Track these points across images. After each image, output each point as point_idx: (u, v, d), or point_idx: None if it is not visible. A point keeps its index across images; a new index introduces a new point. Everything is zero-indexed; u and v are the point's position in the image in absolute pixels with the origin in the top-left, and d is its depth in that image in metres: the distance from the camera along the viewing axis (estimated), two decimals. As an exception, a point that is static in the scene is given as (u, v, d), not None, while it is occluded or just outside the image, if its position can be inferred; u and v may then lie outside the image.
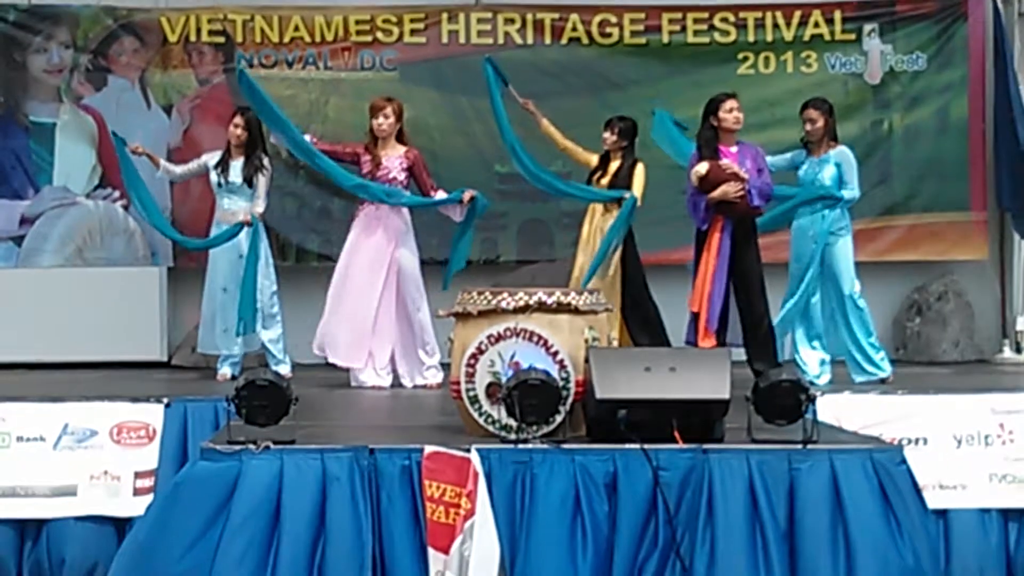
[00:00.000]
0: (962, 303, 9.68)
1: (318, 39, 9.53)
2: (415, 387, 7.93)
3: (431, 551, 4.67)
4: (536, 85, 9.09)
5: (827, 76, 9.59)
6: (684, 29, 9.62)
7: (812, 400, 4.98)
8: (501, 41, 9.53)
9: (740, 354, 7.07)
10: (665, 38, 9.62)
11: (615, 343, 5.96)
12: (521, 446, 4.87)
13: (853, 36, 9.66)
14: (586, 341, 5.19)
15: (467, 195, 8.00)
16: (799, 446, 4.85)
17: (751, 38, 9.62)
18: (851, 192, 7.56)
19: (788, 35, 9.61)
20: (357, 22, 9.54)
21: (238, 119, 8.13)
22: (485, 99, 8.30)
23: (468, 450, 4.75)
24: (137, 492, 6.26)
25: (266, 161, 8.17)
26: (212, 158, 8.25)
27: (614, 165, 8.13)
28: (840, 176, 7.55)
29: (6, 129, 9.43)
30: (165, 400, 6.49)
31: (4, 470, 6.26)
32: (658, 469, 4.76)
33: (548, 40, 9.60)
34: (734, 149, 7.31)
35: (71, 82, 9.46)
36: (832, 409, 6.34)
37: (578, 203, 8.48)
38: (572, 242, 8.56)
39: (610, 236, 7.89)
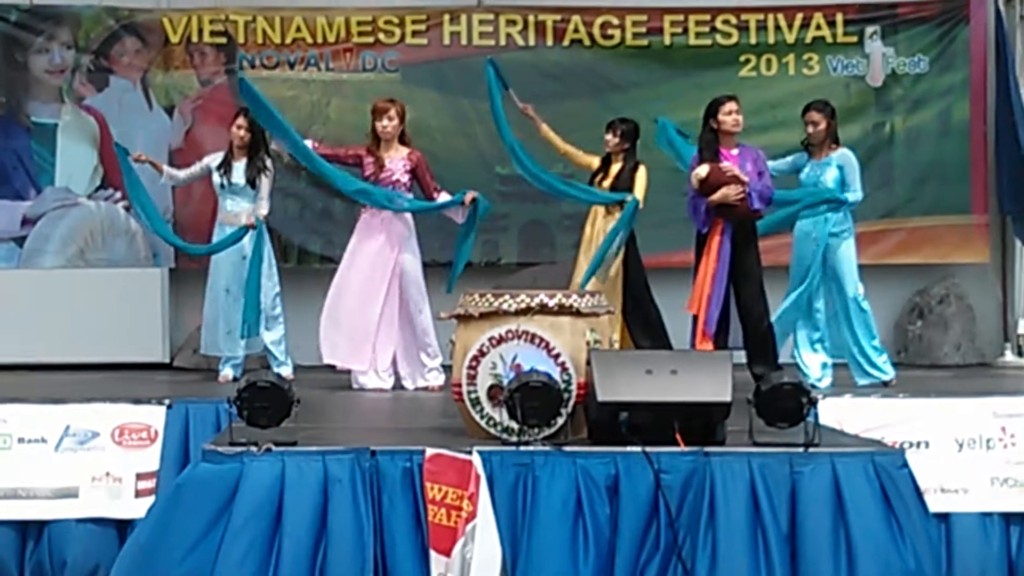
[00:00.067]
0: (963, 306, 9.68)
1: (320, 40, 9.53)
2: (417, 389, 7.93)
3: (432, 553, 4.67)
4: (537, 87, 9.10)
5: (829, 78, 9.59)
6: (686, 31, 9.62)
7: (814, 403, 4.97)
8: (503, 43, 9.52)
9: (740, 357, 7.06)
10: (667, 40, 9.62)
11: (616, 345, 5.96)
12: (523, 448, 4.86)
13: (855, 39, 9.65)
14: (588, 343, 5.18)
15: (468, 196, 7.99)
16: (801, 449, 4.85)
17: (753, 40, 9.62)
18: (855, 194, 7.56)
19: (790, 37, 9.61)
20: (359, 23, 9.54)
21: (241, 120, 8.12)
22: (486, 101, 8.29)
23: (470, 452, 4.74)
24: (139, 494, 6.26)
25: (269, 162, 8.17)
26: (214, 159, 8.24)
27: (616, 167, 8.13)
28: (843, 178, 7.56)
29: (8, 130, 9.43)
30: (167, 402, 6.50)
31: (6, 472, 6.27)
32: (659, 472, 4.75)
33: (550, 42, 9.60)
34: (735, 152, 7.31)
35: (73, 83, 9.46)
36: (834, 412, 6.34)
37: (579, 205, 8.48)
38: (573, 244, 8.57)
39: (610, 238, 7.88)
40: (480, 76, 8.30)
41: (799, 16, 9.61)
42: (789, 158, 7.86)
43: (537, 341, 5.15)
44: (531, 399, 4.89)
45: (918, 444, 6.26)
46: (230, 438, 4.89)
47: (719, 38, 9.62)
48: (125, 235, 9.44)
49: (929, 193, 9.66)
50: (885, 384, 7.48)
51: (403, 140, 8.05)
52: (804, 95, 8.46)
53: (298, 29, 9.51)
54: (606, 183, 8.13)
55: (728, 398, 4.93)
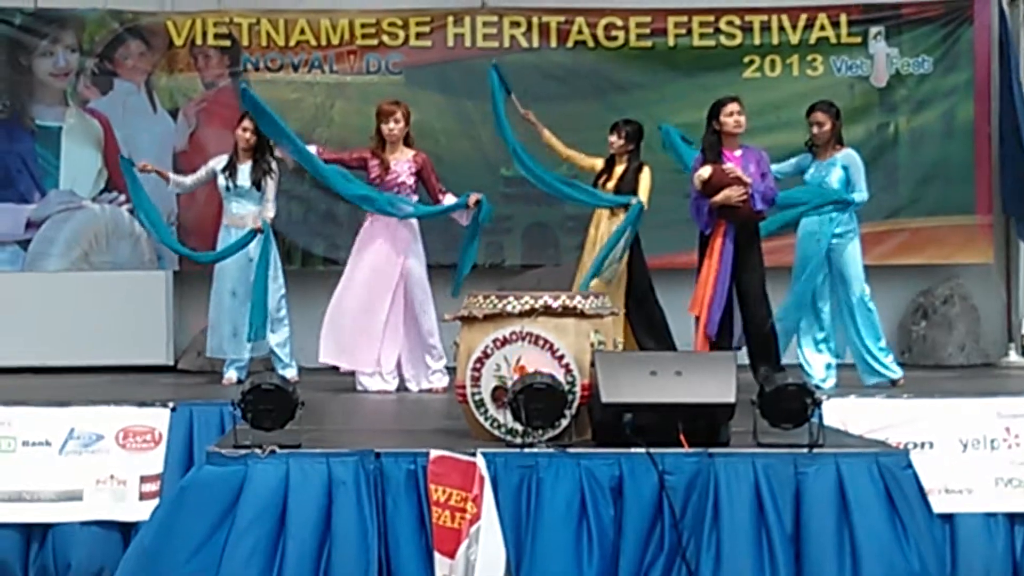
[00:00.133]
0: (968, 307, 9.68)
1: (324, 43, 9.54)
2: (421, 391, 7.93)
3: (437, 555, 4.66)
4: (541, 88, 9.11)
5: (833, 79, 9.60)
6: (690, 32, 9.64)
7: (818, 404, 4.96)
8: (507, 44, 9.54)
9: (743, 357, 7.06)
10: (671, 42, 9.63)
11: (620, 347, 5.95)
12: (527, 450, 4.86)
13: (859, 39, 9.66)
14: (592, 345, 5.17)
15: (473, 198, 7.98)
16: (805, 450, 4.84)
17: (757, 41, 9.63)
18: (861, 195, 7.55)
19: (794, 38, 9.62)
20: (363, 26, 9.56)
21: (247, 122, 8.10)
22: (490, 103, 8.29)
23: (474, 454, 4.73)
24: (143, 496, 6.26)
25: (274, 164, 8.17)
26: (219, 162, 8.24)
27: (619, 169, 8.12)
28: (848, 179, 7.55)
29: (12, 133, 9.45)
30: (171, 404, 6.49)
31: (10, 474, 6.26)
32: (664, 473, 4.75)
33: (554, 43, 9.61)
34: (738, 153, 7.30)
35: (77, 86, 9.48)
36: (838, 413, 6.33)
37: (583, 207, 8.47)
38: (577, 246, 8.57)
39: (614, 240, 7.88)
40: (484, 78, 8.28)
41: (803, 17, 9.62)
42: (793, 160, 7.85)
43: (541, 343, 5.14)
44: (535, 401, 4.89)
45: (922, 445, 6.25)
46: (234, 440, 4.89)
47: (723, 39, 9.63)
48: (129, 238, 9.45)
49: (933, 194, 9.66)
50: (893, 383, 7.47)
51: (407, 142, 8.05)
52: (808, 96, 8.44)
53: (302, 32, 9.53)
54: (610, 184, 8.13)
55: (732, 399, 4.92)
